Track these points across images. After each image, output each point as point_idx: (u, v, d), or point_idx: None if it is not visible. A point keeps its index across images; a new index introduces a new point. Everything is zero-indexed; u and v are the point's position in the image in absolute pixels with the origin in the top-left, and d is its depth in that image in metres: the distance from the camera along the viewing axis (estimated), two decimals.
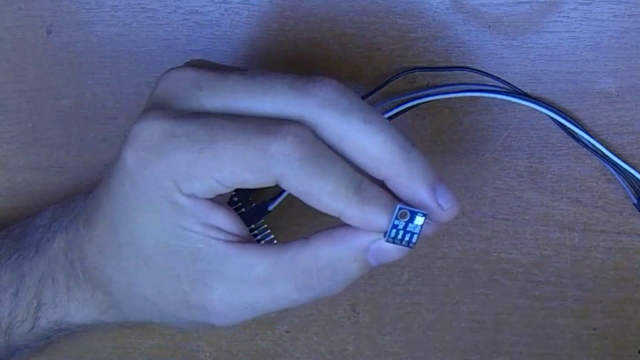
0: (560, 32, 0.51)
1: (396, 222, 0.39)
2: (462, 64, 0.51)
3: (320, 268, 0.40)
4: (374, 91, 0.52)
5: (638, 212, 0.52)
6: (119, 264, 0.42)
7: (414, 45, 0.52)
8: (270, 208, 0.47)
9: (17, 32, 0.52)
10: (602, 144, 0.51)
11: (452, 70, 0.51)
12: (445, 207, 0.40)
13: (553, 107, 0.51)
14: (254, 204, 0.47)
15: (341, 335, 0.54)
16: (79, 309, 0.46)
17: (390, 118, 0.52)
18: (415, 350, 0.54)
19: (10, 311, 0.46)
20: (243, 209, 0.47)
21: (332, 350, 0.55)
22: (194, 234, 0.40)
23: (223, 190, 0.39)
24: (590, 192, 0.52)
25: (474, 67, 0.51)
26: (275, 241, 0.46)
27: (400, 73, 0.52)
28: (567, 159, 0.52)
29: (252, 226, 0.47)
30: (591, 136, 0.51)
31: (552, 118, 0.52)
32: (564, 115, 0.51)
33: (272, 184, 0.38)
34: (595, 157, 0.52)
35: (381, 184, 0.40)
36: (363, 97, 0.52)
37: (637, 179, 0.51)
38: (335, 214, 0.39)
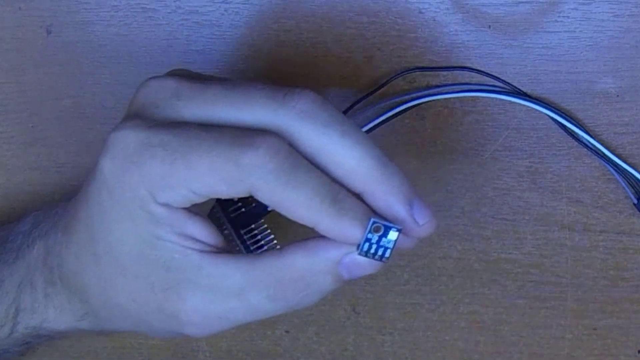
0: (560, 32, 0.51)
1: (369, 235, 0.39)
2: (462, 64, 0.51)
3: (294, 279, 0.40)
4: (374, 91, 0.52)
5: (638, 212, 0.52)
6: (95, 271, 0.42)
7: (414, 45, 0.52)
8: (270, 208, 0.47)
9: (17, 32, 0.52)
10: (602, 144, 0.51)
11: (452, 70, 0.51)
12: (421, 222, 0.40)
13: (553, 107, 0.51)
14: (254, 204, 0.47)
15: (341, 335, 0.54)
16: (56, 315, 0.46)
17: (390, 118, 0.52)
18: (415, 350, 0.54)
19: None
20: (243, 209, 0.47)
21: (332, 350, 0.55)
22: (168, 244, 0.40)
23: (198, 200, 0.39)
24: (590, 192, 0.52)
25: (474, 67, 0.51)
26: (275, 241, 0.46)
27: (400, 73, 0.52)
28: (567, 159, 0.52)
29: (252, 226, 0.47)
30: (591, 136, 0.51)
31: (552, 118, 0.52)
32: (564, 115, 0.51)
33: (248, 195, 0.38)
34: (595, 157, 0.52)
35: (358, 197, 0.40)
36: (363, 97, 0.52)
37: (637, 179, 0.51)
38: (310, 225, 0.39)
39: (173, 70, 0.43)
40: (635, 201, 0.52)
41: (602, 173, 0.52)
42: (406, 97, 0.52)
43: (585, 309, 0.53)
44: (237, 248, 0.46)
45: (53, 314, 0.46)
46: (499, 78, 0.51)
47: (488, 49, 0.51)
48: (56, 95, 0.53)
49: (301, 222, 0.38)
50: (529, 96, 0.52)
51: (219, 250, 0.41)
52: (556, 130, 0.52)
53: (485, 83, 0.51)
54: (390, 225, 0.39)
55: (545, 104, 0.51)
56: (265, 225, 0.48)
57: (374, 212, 0.39)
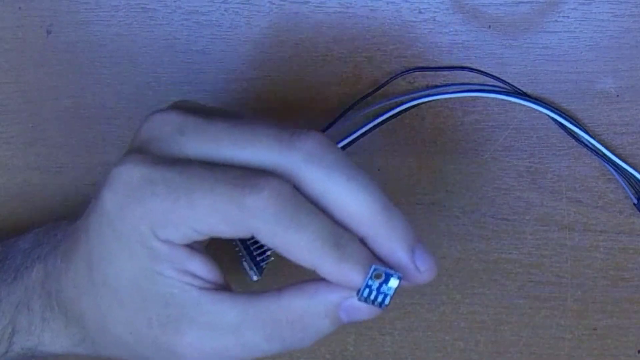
0: (560, 32, 0.51)
1: (370, 282, 0.38)
2: (462, 64, 0.51)
3: (291, 321, 0.40)
4: (374, 91, 0.52)
5: (638, 212, 0.52)
6: (93, 300, 0.42)
7: (414, 45, 0.52)
8: None
9: (17, 32, 0.52)
10: (602, 144, 0.51)
11: (452, 70, 0.51)
12: (422, 269, 0.39)
13: (553, 107, 0.51)
14: None
15: (341, 335, 0.54)
16: (52, 339, 0.45)
17: (390, 118, 0.52)
18: (415, 350, 0.54)
19: None
20: None
21: (332, 350, 0.55)
22: (168, 279, 0.40)
23: (199, 238, 0.39)
24: (590, 192, 0.52)
25: (474, 67, 0.51)
26: (272, 258, 0.46)
27: (400, 73, 0.52)
28: (567, 159, 0.52)
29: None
30: (591, 136, 0.51)
31: (552, 118, 0.52)
32: (564, 115, 0.51)
33: (250, 236, 0.38)
34: (595, 157, 0.52)
35: (360, 240, 0.39)
36: (363, 97, 0.52)
37: (637, 179, 0.51)
38: (311, 268, 0.38)
39: (178, 102, 0.42)
40: (635, 201, 0.52)
41: (602, 173, 0.52)
42: (406, 97, 0.52)
43: (585, 309, 0.53)
44: (240, 253, 0.46)
45: (49, 337, 0.45)
46: (499, 78, 0.51)
47: (488, 49, 0.51)
48: (56, 95, 0.53)
49: (302, 264, 0.38)
50: (529, 96, 0.52)
51: (218, 287, 0.41)
52: (556, 130, 0.52)
53: (485, 83, 0.51)
54: (392, 272, 0.38)
55: (545, 104, 0.51)
56: None
57: (376, 256, 0.39)
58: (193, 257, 0.40)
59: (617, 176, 0.52)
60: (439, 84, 0.52)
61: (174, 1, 0.52)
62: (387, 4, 0.51)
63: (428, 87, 0.52)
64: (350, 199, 0.38)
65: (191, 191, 0.38)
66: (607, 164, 0.51)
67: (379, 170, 0.53)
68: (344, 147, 0.52)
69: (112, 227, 0.39)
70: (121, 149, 0.52)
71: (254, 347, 0.40)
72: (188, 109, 0.41)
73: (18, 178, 0.54)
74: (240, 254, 0.46)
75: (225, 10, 0.52)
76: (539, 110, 0.51)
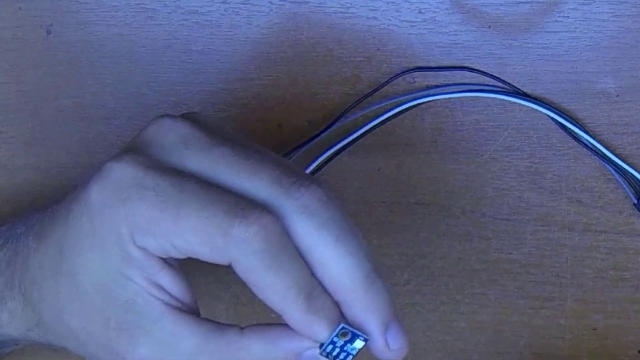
0: (560, 32, 0.51)
1: (335, 339, 0.38)
2: (462, 64, 0.51)
3: None
4: (374, 91, 0.52)
5: (638, 212, 0.52)
6: (54, 287, 0.41)
7: (414, 45, 0.52)
8: None
9: (17, 32, 0.52)
10: (602, 144, 0.51)
11: (452, 70, 0.51)
12: (392, 347, 0.39)
13: (553, 107, 0.51)
14: None
15: None
16: (9, 320, 0.45)
17: (390, 118, 0.52)
18: (415, 350, 0.54)
19: None
20: None
21: None
22: (135, 286, 0.39)
23: (176, 255, 0.38)
24: (590, 192, 0.52)
25: (474, 67, 0.51)
26: None
27: (400, 73, 0.52)
28: (567, 159, 0.52)
29: None
30: (591, 136, 0.51)
31: (552, 118, 0.52)
32: (564, 115, 0.51)
33: (227, 264, 0.38)
34: (595, 157, 0.52)
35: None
36: (363, 97, 0.52)
37: (637, 179, 0.51)
38: (278, 312, 0.38)
39: (191, 114, 0.42)
40: (635, 201, 0.52)
41: (602, 173, 0.52)
42: (406, 97, 0.52)
43: (585, 309, 0.53)
44: None
45: (6, 318, 0.45)
46: (499, 78, 0.51)
47: (488, 49, 0.51)
48: (56, 95, 0.53)
49: (270, 306, 0.38)
50: (529, 96, 0.52)
51: (184, 307, 0.40)
52: (556, 130, 0.52)
53: (485, 83, 0.51)
54: (359, 333, 0.38)
55: (545, 104, 0.51)
56: None
57: (347, 321, 0.39)
58: (165, 270, 0.39)
59: (617, 176, 0.52)
60: (439, 84, 0.52)
61: (174, 1, 0.52)
62: (387, 4, 0.51)
63: (428, 87, 0.52)
64: (334, 262, 0.38)
65: (179, 206, 0.37)
66: (607, 164, 0.51)
67: (379, 170, 0.53)
68: (343, 148, 0.52)
69: (92, 221, 0.39)
70: None
71: None
72: (199, 123, 0.40)
73: (18, 178, 0.54)
74: None
75: (225, 10, 0.52)
76: (539, 110, 0.51)
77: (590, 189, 0.52)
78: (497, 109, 0.52)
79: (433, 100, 0.52)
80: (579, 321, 0.53)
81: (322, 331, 0.38)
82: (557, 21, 0.51)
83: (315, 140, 0.52)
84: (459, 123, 0.52)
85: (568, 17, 0.51)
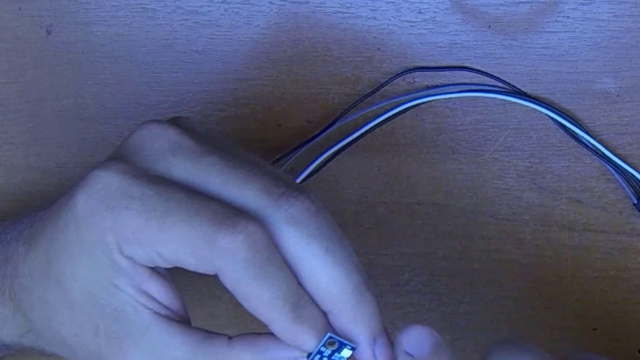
0: (560, 32, 0.51)
1: (323, 349, 0.38)
2: (462, 64, 0.51)
3: None
4: (374, 91, 0.52)
5: (638, 212, 0.52)
6: (43, 294, 0.41)
7: (414, 45, 0.52)
8: None
9: (17, 32, 0.52)
10: (602, 144, 0.51)
11: (452, 70, 0.52)
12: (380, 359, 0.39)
13: (553, 107, 0.51)
14: None
15: None
16: (0, 326, 0.45)
17: (390, 118, 0.52)
18: None
19: None
20: None
21: None
22: (123, 295, 0.39)
23: (163, 264, 0.38)
24: (590, 192, 0.52)
25: (474, 67, 0.51)
26: None
27: (400, 73, 0.52)
28: (567, 159, 0.52)
29: None
30: (591, 136, 0.51)
31: (552, 118, 0.52)
32: (564, 115, 0.51)
33: (213, 274, 0.37)
34: (595, 157, 0.52)
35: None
36: (363, 97, 0.52)
37: (637, 179, 0.51)
38: (264, 322, 0.38)
39: (180, 119, 0.41)
40: (635, 201, 0.52)
41: (602, 173, 0.52)
42: (406, 97, 0.52)
43: (585, 309, 0.53)
44: None
45: None
46: (499, 78, 0.51)
47: (488, 49, 0.51)
48: (56, 95, 0.53)
49: (256, 316, 0.38)
50: (529, 96, 0.52)
51: (174, 315, 0.40)
52: (556, 130, 0.52)
53: (485, 83, 0.51)
54: (346, 342, 0.38)
55: (545, 104, 0.51)
56: None
57: (335, 331, 0.39)
58: (153, 278, 0.39)
59: (617, 176, 0.52)
60: (439, 84, 0.52)
61: (174, 1, 0.52)
62: (387, 4, 0.51)
63: (428, 87, 0.52)
64: (324, 272, 0.37)
65: (165, 215, 0.37)
66: (607, 164, 0.51)
67: (379, 170, 0.53)
68: (343, 148, 0.52)
69: (79, 229, 0.39)
70: None
71: None
72: (188, 130, 0.40)
73: (18, 178, 0.54)
74: None
75: (225, 10, 0.52)
76: (539, 110, 0.51)
77: (590, 189, 0.52)
78: (497, 109, 0.52)
79: (433, 100, 0.52)
80: (579, 321, 0.53)
81: (309, 341, 0.38)
82: (557, 21, 0.51)
83: (315, 140, 0.52)
84: (459, 123, 0.52)
85: (568, 17, 0.51)
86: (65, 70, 0.53)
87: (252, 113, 0.53)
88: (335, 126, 0.52)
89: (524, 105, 0.52)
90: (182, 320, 0.40)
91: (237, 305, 0.53)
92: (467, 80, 0.52)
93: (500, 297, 0.54)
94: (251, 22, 0.52)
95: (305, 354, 0.38)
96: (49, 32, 0.52)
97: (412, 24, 0.51)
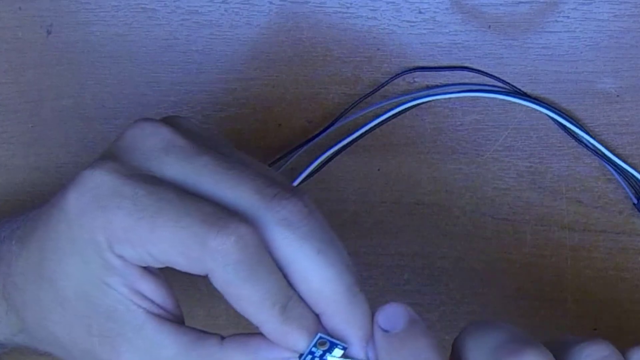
0: (560, 32, 0.51)
1: (314, 349, 0.38)
2: (462, 64, 0.51)
3: None
4: (374, 91, 0.52)
5: (638, 212, 0.52)
6: (36, 293, 0.41)
7: (414, 45, 0.52)
8: None
9: (17, 32, 0.52)
10: (602, 144, 0.51)
11: (452, 70, 0.52)
12: None
13: (553, 107, 0.51)
14: None
15: None
16: None
17: (390, 118, 0.52)
18: None
19: None
20: None
21: None
22: (116, 294, 0.39)
23: (154, 264, 0.38)
24: (590, 192, 0.52)
25: (474, 67, 0.51)
26: None
27: (400, 73, 0.52)
28: (567, 159, 0.52)
29: None
30: (591, 136, 0.51)
31: (552, 118, 0.52)
32: (564, 115, 0.51)
33: (204, 275, 0.37)
34: (595, 157, 0.52)
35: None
36: (363, 97, 0.52)
37: (637, 179, 0.51)
38: (254, 323, 0.38)
39: (174, 118, 0.41)
40: (635, 201, 0.52)
41: (602, 173, 0.52)
42: (406, 97, 0.52)
43: (585, 309, 0.53)
44: None
45: None
46: (499, 78, 0.51)
47: (488, 49, 0.51)
48: (56, 95, 0.53)
49: (246, 317, 0.37)
50: (529, 96, 0.52)
51: (167, 314, 0.40)
52: (556, 130, 0.52)
53: (485, 83, 0.51)
54: (337, 342, 0.38)
55: (545, 104, 0.51)
56: None
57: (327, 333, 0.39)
58: (145, 277, 0.39)
59: (617, 176, 0.52)
60: (439, 84, 0.52)
61: (174, 1, 0.52)
62: (387, 4, 0.51)
63: (428, 87, 0.52)
64: (315, 274, 0.37)
65: (156, 215, 0.37)
66: (607, 164, 0.51)
67: (379, 170, 0.53)
68: (343, 148, 0.52)
69: (70, 229, 0.39)
70: None
71: None
72: (181, 129, 0.40)
73: (18, 178, 0.54)
74: None
75: (225, 10, 0.52)
76: (539, 110, 0.51)
77: (590, 189, 0.52)
78: (497, 109, 0.52)
79: (433, 100, 0.52)
80: (579, 321, 0.53)
81: (300, 341, 0.38)
82: (557, 21, 0.51)
83: (315, 140, 0.52)
84: (459, 123, 0.52)
85: (568, 17, 0.51)
86: (65, 70, 0.53)
87: (252, 113, 0.53)
88: (335, 126, 0.52)
89: (524, 105, 0.52)
90: (175, 319, 0.40)
91: None
92: (467, 80, 0.52)
93: (500, 297, 0.54)
94: (251, 22, 0.52)
95: (297, 355, 0.38)
96: (49, 32, 0.52)
97: (412, 24, 0.51)
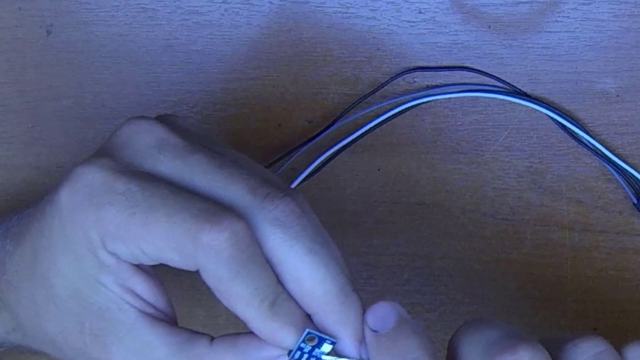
0: (560, 32, 0.51)
1: (302, 345, 0.38)
2: (462, 64, 0.51)
3: None
4: (374, 91, 0.52)
5: (638, 212, 0.52)
6: (30, 291, 0.41)
7: (414, 45, 0.52)
8: None
9: (17, 32, 0.52)
10: (602, 144, 0.51)
11: (452, 70, 0.52)
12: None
13: (553, 107, 0.51)
14: None
15: None
16: None
17: (390, 118, 0.52)
18: None
19: None
20: None
21: None
22: (108, 292, 0.39)
23: (146, 261, 0.38)
24: (590, 192, 0.52)
25: (474, 67, 0.51)
26: None
27: (400, 73, 0.52)
28: (567, 159, 0.52)
29: None
30: (591, 136, 0.51)
31: (552, 118, 0.52)
32: (564, 115, 0.51)
33: (195, 270, 0.37)
34: (595, 157, 0.52)
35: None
36: (363, 97, 0.52)
37: (637, 179, 0.51)
38: (243, 320, 0.38)
39: (168, 116, 0.41)
40: (635, 201, 0.52)
41: (602, 173, 0.52)
42: (406, 97, 0.52)
43: (585, 309, 0.53)
44: None
45: None
46: (499, 78, 0.51)
47: (488, 49, 0.51)
48: (56, 95, 0.53)
49: (235, 313, 0.37)
50: (529, 96, 0.52)
51: (159, 314, 0.40)
52: (556, 130, 0.52)
53: (485, 83, 0.51)
54: (325, 337, 0.38)
55: (545, 104, 0.51)
56: None
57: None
58: (138, 276, 0.39)
59: (617, 176, 0.52)
60: (439, 84, 0.52)
61: (174, 1, 0.52)
62: (387, 4, 0.51)
63: (428, 87, 0.52)
64: (307, 274, 0.37)
65: (149, 210, 0.36)
66: (607, 164, 0.51)
67: (379, 170, 0.53)
68: (343, 148, 0.52)
69: (63, 225, 0.38)
70: None
71: None
72: (175, 127, 0.40)
73: (18, 178, 0.54)
74: None
75: (225, 10, 0.52)
76: (539, 110, 0.51)
77: (590, 189, 0.52)
78: (497, 109, 0.52)
79: (433, 100, 0.52)
80: (579, 321, 0.53)
81: (288, 337, 0.38)
82: (557, 21, 0.51)
83: (315, 140, 0.52)
84: (459, 123, 0.52)
85: (568, 17, 0.51)
86: (65, 70, 0.53)
87: (252, 113, 0.53)
88: (335, 126, 0.52)
89: (524, 105, 0.52)
90: (167, 318, 0.40)
91: None
92: (467, 80, 0.52)
93: (500, 297, 0.54)
94: (251, 22, 0.52)
95: (286, 352, 0.38)
96: (49, 32, 0.52)
97: (412, 24, 0.51)
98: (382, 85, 0.51)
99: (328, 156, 0.52)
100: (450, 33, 0.51)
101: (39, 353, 0.43)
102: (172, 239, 0.36)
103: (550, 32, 0.51)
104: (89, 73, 0.53)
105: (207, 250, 0.36)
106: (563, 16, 0.51)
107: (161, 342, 0.39)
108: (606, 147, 0.51)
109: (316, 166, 0.52)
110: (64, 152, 0.53)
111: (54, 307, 0.40)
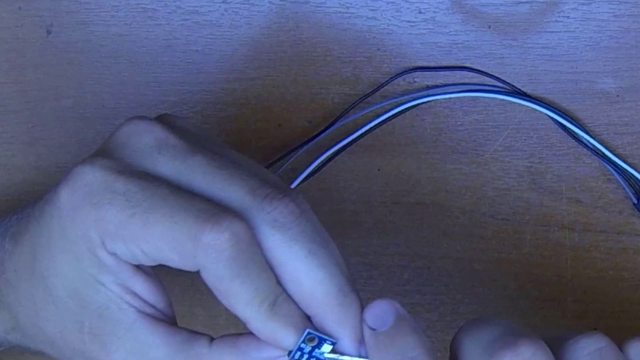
0: (560, 32, 0.51)
1: (302, 345, 0.38)
2: (462, 64, 0.51)
3: None
4: (374, 91, 0.52)
5: (638, 212, 0.52)
6: (29, 290, 0.41)
7: (414, 45, 0.52)
8: None
9: (17, 32, 0.52)
10: (602, 144, 0.51)
11: (452, 70, 0.52)
12: None
13: (553, 107, 0.51)
14: None
15: None
16: None
17: (390, 118, 0.52)
18: None
19: None
20: None
21: None
22: (108, 292, 0.39)
23: (146, 261, 0.38)
24: (590, 192, 0.52)
25: (474, 67, 0.51)
26: None
27: (400, 73, 0.52)
28: (567, 159, 0.52)
29: None
30: (591, 136, 0.51)
31: (552, 118, 0.52)
32: (564, 115, 0.51)
33: (195, 270, 0.37)
34: (595, 157, 0.52)
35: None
36: (363, 97, 0.52)
37: (637, 179, 0.51)
38: (242, 320, 0.38)
39: (168, 116, 0.41)
40: (635, 201, 0.52)
41: (602, 173, 0.52)
42: (406, 97, 0.52)
43: (585, 309, 0.53)
44: None
45: None
46: (499, 78, 0.51)
47: (488, 49, 0.51)
48: (56, 95, 0.53)
49: (234, 313, 0.37)
50: (529, 96, 0.52)
51: (159, 314, 0.40)
52: (556, 130, 0.52)
53: (485, 83, 0.51)
54: (325, 337, 0.38)
55: (545, 104, 0.51)
56: None
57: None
58: (138, 276, 0.39)
59: (617, 176, 0.52)
60: (439, 84, 0.52)
61: (174, 1, 0.52)
62: (387, 4, 0.51)
63: (428, 87, 0.52)
64: (306, 275, 0.37)
65: (149, 210, 0.36)
66: (607, 164, 0.51)
67: (379, 170, 0.53)
68: (343, 148, 0.52)
69: (62, 226, 0.38)
70: None
71: None
72: (175, 127, 0.40)
73: (18, 178, 0.54)
74: None
75: (225, 10, 0.52)
76: (539, 110, 0.51)
77: (590, 189, 0.52)
78: (497, 109, 0.52)
79: (433, 100, 0.52)
80: (579, 321, 0.53)
81: (287, 338, 0.38)
82: (557, 21, 0.51)
83: (315, 140, 0.52)
84: (459, 123, 0.52)
85: (568, 17, 0.51)
86: (65, 70, 0.53)
87: (252, 113, 0.53)
88: (335, 126, 0.52)
89: (524, 105, 0.52)
90: (166, 318, 0.40)
91: None
92: (467, 80, 0.52)
93: (500, 297, 0.54)
94: (251, 22, 0.52)
95: (286, 353, 0.38)
96: (49, 32, 0.52)
97: (412, 24, 0.51)
98: (382, 85, 0.52)
99: (328, 156, 0.52)
100: (450, 33, 0.51)
101: (38, 353, 0.43)
102: (172, 239, 0.36)
103: (550, 32, 0.51)
104: (89, 73, 0.53)
105: (207, 251, 0.36)
106: (563, 16, 0.51)
107: (161, 342, 0.39)
108: (606, 147, 0.51)
109: (316, 166, 0.52)
110: (64, 152, 0.53)
111: (53, 307, 0.40)
